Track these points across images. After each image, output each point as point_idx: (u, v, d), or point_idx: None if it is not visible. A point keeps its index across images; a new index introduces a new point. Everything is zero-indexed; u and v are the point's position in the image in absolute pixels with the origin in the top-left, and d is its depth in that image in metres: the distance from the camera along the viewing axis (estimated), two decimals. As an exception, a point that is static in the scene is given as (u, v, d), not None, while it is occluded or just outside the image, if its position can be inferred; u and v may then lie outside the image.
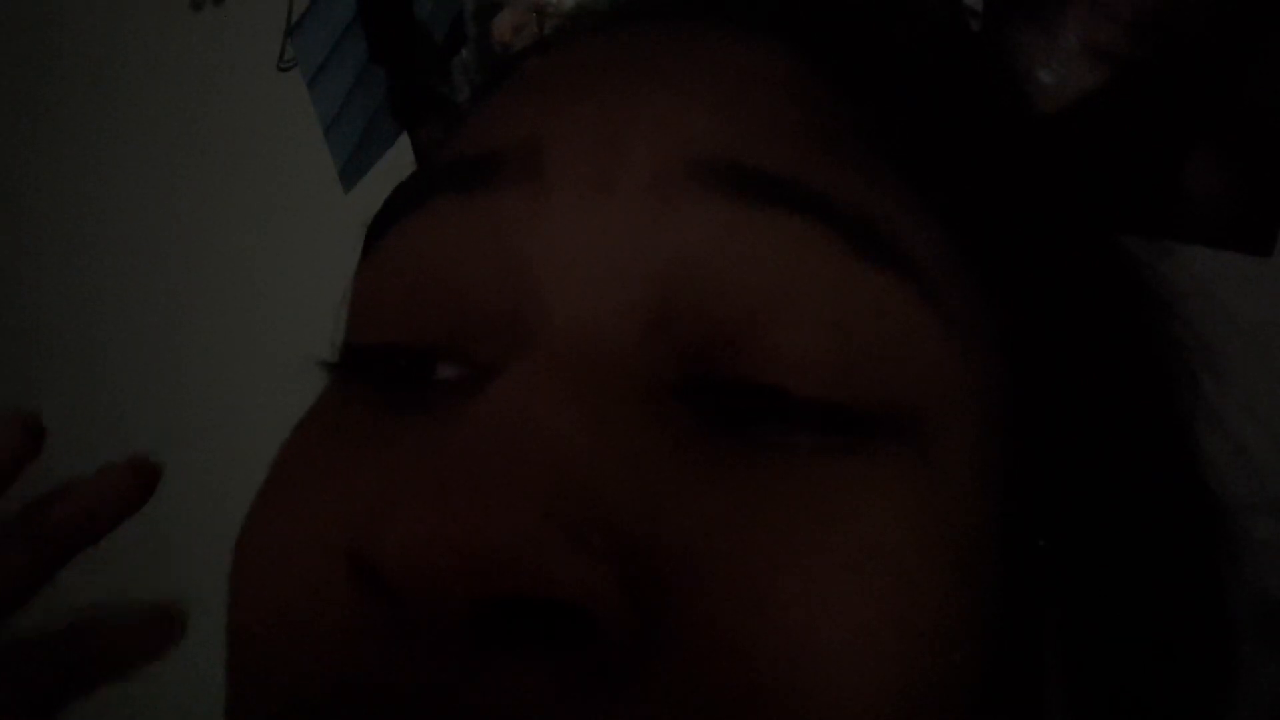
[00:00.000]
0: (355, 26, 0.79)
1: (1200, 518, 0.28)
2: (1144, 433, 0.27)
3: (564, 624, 0.18)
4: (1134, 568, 0.26)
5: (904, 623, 0.20)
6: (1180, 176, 0.38)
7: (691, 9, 0.29)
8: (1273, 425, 0.35)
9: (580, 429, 0.20)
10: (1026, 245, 0.26)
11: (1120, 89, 0.40)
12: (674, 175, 0.23)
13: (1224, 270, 0.38)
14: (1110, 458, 0.26)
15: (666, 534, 0.20)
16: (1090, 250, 0.29)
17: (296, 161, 0.83)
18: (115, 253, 0.98)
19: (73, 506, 0.35)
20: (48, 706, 0.33)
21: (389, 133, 0.78)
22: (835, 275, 0.22)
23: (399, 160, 0.76)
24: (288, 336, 0.78)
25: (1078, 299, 0.27)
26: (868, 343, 0.22)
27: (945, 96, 0.27)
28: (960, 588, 0.22)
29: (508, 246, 0.23)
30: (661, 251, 0.22)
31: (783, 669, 0.19)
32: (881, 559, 0.21)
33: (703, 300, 0.22)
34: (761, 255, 0.22)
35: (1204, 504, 0.29)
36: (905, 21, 0.30)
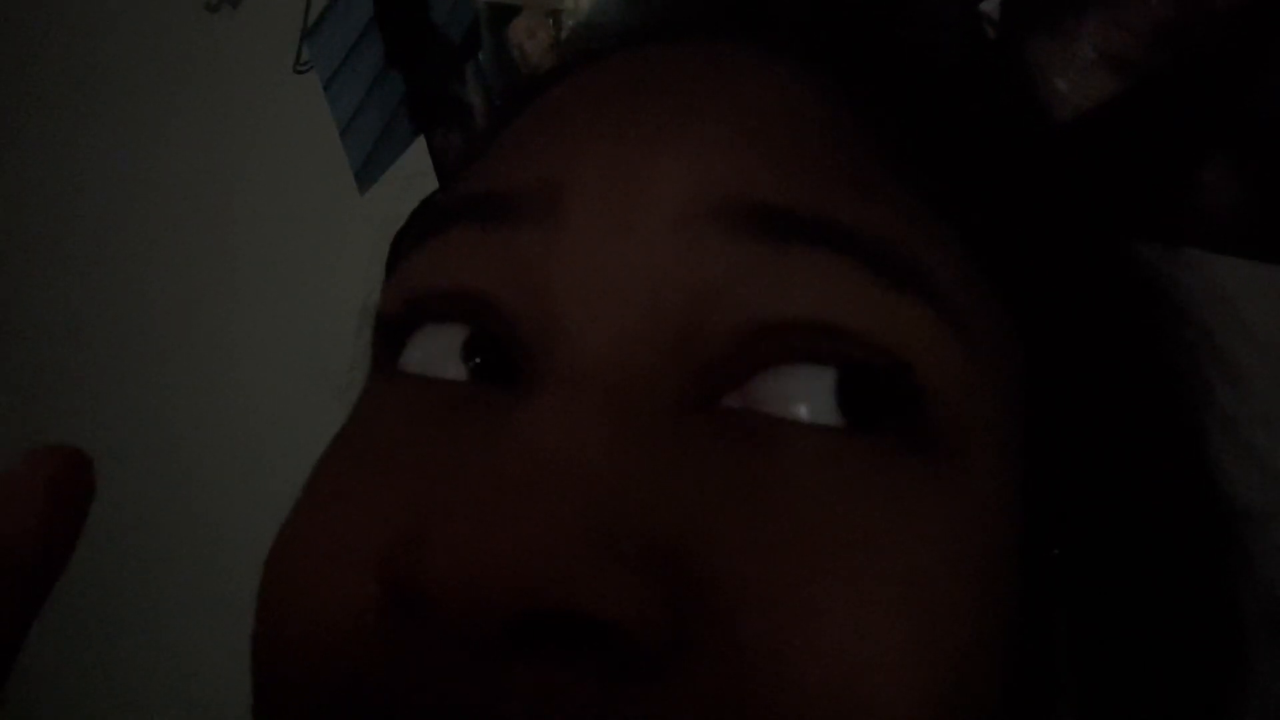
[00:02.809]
0: (371, 30, 0.79)
1: (1212, 523, 0.28)
2: (1158, 441, 0.27)
3: (599, 631, 0.19)
4: (1146, 572, 0.26)
5: (935, 635, 0.21)
6: (1196, 185, 0.38)
7: (712, 28, 0.29)
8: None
9: (611, 448, 0.20)
10: (1044, 257, 0.26)
11: (1136, 98, 0.40)
12: (693, 218, 0.23)
13: (1239, 278, 0.38)
14: (1124, 466, 0.26)
15: (699, 546, 0.20)
16: (1107, 260, 0.29)
17: (312, 163, 0.83)
18: (131, 253, 0.99)
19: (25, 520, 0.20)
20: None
21: (404, 135, 0.78)
22: (858, 300, 0.22)
23: (414, 162, 0.76)
24: (303, 336, 0.78)
25: (1094, 309, 0.27)
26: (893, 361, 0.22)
27: (965, 111, 0.27)
28: (985, 598, 0.22)
29: (530, 276, 0.23)
30: (684, 282, 0.23)
31: (816, 677, 0.20)
32: (910, 572, 0.21)
33: (726, 323, 0.22)
34: (784, 285, 0.22)
35: (1216, 509, 0.29)
36: (923, 32, 0.30)
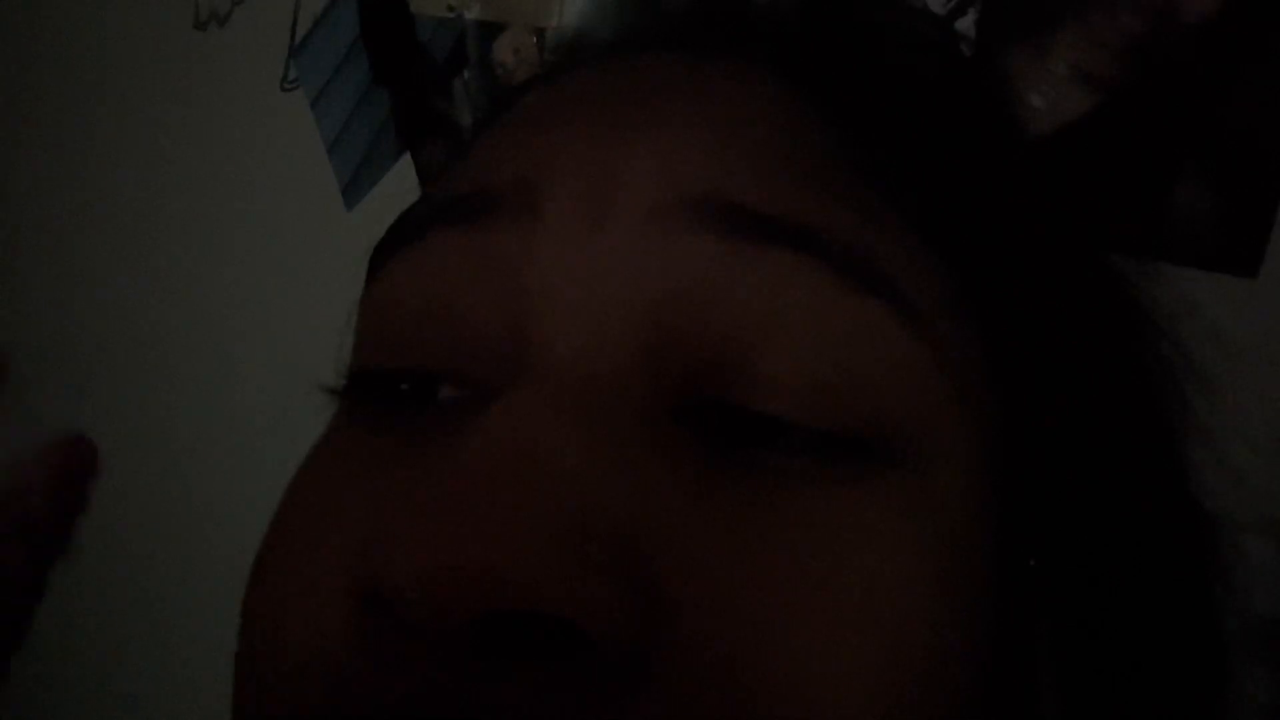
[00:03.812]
0: (358, 47, 0.80)
1: (1192, 535, 0.29)
2: (1135, 452, 0.28)
3: (566, 638, 0.19)
4: (1126, 585, 0.26)
5: (900, 647, 0.21)
6: (1168, 199, 0.39)
7: (687, 41, 0.29)
8: (1261, 445, 0.35)
9: (579, 451, 0.20)
10: (1017, 270, 0.27)
11: (1109, 113, 0.40)
12: (666, 214, 0.23)
13: (1213, 291, 0.38)
14: (1102, 477, 0.26)
15: (666, 552, 0.20)
16: (1081, 273, 0.29)
17: (300, 180, 0.83)
18: (117, 270, 0.98)
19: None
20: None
21: (391, 152, 0.79)
22: (824, 303, 0.22)
23: (401, 179, 0.77)
24: (290, 354, 0.78)
25: (1068, 321, 0.27)
26: (858, 369, 0.22)
27: (938, 125, 0.27)
28: (954, 611, 0.22)
29: (505, 277, 0.24)
30: (654, 283, 0.23)
31: (779, 689, 0.20)
32: (877, 583, 0.21)
33: (697, 327, 0.23)
34: (752, 286, 0.22)
35: (1195, 522, 0.29)
36: (899, 50, 0.30)
